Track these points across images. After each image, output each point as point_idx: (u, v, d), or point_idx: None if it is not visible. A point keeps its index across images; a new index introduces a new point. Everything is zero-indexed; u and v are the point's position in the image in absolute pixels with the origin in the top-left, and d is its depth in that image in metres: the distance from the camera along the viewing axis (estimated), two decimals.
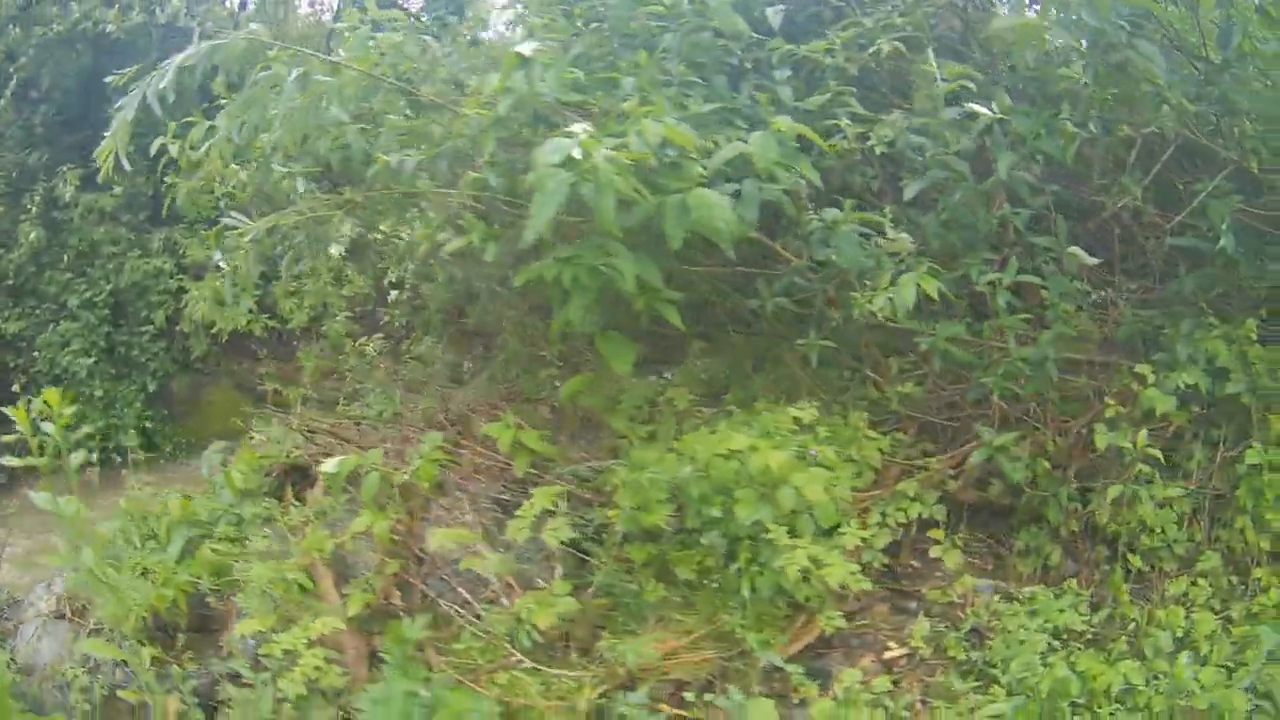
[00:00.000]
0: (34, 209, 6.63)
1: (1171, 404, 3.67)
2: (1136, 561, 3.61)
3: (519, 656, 3.03)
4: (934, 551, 3.56)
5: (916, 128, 3.62)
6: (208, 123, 3.84)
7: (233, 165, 4.28)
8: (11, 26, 6.42)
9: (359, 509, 3.57)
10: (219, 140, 3.75)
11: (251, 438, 4.42)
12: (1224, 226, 3.66)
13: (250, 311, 4.78)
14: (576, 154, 2.45)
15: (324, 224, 3.74)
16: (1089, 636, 3.44)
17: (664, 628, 3.18)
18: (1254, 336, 3.86)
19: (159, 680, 3.12)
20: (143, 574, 3.59)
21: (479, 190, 3.06)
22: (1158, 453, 3.49)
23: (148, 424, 7.35)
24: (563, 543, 3.41)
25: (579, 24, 3.56)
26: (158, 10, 6.77)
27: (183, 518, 3.78)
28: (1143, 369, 3.74)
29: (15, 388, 6.73)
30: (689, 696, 2.96)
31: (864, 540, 3.38)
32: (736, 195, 3.14)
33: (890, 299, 3.21)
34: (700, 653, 3.11)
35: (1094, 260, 3.67)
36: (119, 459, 6.99)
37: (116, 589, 3.37)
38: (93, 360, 6.93)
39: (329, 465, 3.50)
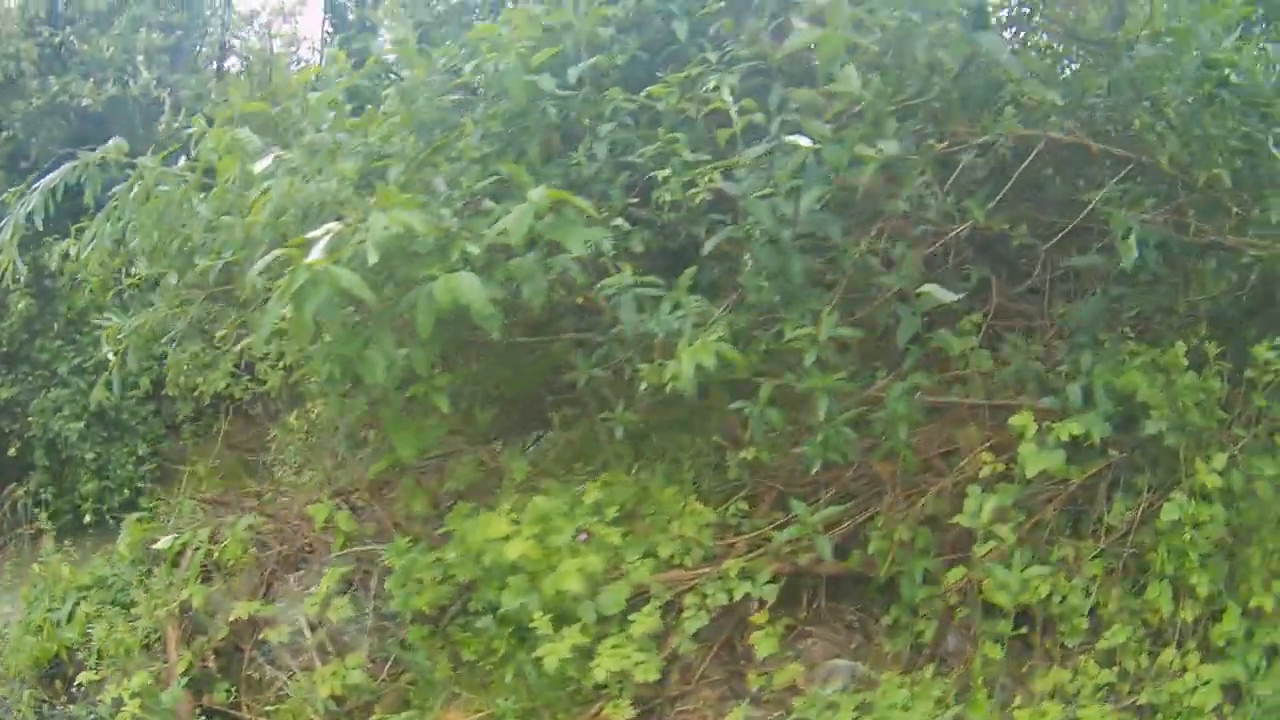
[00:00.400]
0: (23, 278, 8.06)
1: (1056, 461, 3.76)
2: (995, 651, 3.73)
3: None
4: (752, 638, 3.86)
5: (746, 170, 3.98)
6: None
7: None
8: None
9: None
10: (96, 245, 4.80)
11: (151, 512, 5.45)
12: (1127, 240, 3.65)
13: (232, 374, 5.81)
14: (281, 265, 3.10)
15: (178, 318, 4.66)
16: None
17: (454, 706, 3.75)
18: (1183, 364, 3.80)
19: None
20: (37, 630, 4.73)
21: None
22: (1004, 531, 3.63)
23: (140, 485, 8.72)
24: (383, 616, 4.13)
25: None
26: (130, 82, 8.10)
27: (73, 582, 4.86)
28: (1022, 419, 3.83)
29: (11, 452, 8.26)
30: None
31: (671, 625, 3.78)
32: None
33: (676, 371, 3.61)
34: None
35: (952, 296, 3.79)
36: (113, 521, 8.46)
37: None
38: (83, 425, 8.26)
39: (162, 543, 4.39)
